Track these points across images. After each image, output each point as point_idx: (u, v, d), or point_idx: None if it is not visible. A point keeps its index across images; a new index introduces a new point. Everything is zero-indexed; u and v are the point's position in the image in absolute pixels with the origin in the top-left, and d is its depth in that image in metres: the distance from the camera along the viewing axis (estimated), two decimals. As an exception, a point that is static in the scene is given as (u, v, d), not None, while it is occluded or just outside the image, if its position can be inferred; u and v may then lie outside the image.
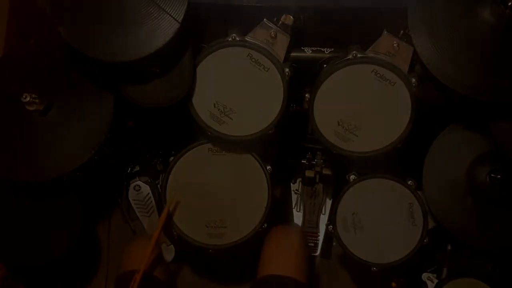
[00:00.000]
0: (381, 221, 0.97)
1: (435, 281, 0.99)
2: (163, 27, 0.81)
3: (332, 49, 0.98)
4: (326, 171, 1.08)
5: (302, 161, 1.09)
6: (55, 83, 0.91)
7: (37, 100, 0.85)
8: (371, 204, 0.97)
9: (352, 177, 0.97)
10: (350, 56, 0.90)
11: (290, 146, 1.11)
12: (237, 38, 0.90)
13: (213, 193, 0.98)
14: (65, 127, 0.90)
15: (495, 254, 0.99)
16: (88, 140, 0.89)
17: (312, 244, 1.14)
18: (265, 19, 0.91)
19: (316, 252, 1.15)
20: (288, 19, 0.91)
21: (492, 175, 0.87)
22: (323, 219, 1.14)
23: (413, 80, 0.88)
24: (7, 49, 1.00)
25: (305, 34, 0.96)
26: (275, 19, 0.91)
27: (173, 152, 1.00)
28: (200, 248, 0.99)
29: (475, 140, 0.93)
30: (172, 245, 1.10)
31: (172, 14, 0.81)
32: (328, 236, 1.12)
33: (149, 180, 1.14)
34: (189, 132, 0.99)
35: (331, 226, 0.98)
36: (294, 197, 1.16)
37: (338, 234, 0.98)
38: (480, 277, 0.95)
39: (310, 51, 0.98)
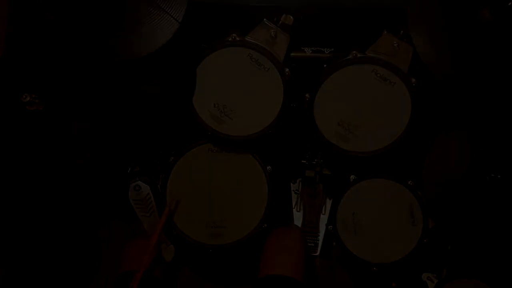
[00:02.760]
0: (381, 221, 0.97)
1: (435, 281, 0.99)
2: (163, 27, 0.81)
3: (332, 49, 0.98)
4: (326, 171, 1.08)
5: (302, 161, 1.09)
6: (55, 83, 0.91)
7: (37, 100, 0.85)
8: (371, 204, 0.97)
9: (352, 177, 0.97)
10: (350, 56, 0.90)
11: (290, 146, 1.11)
12: (237, 38, 0.90)
13: (213, 193, 0.98)
14: (65, 127, 0.90)
15: (495, 254, 0.99)
16: (88, 140, 0.89)
17: (312, 244, 1.14)
18: (265, 19, 0.91)
19: (316, 252, 1.14)
20: (288, 19, 0.91)
21: (492, 175, 0.87)
22: (323, 219, 1.14)
23: (413, 80, 0.88)
24: (7, 49, 1.00)
25: (305, 34, 0.96)
26: (275, 19, 0.91)
27: (173, 152, 1.00)
28: (200, 248, 0.99)
29: (475, 140, 0.93)
30: (172, 245, 1.10)
31: (172, 14, 0.81)
32: (328, 236, 1.12)
33: (149, 180, 1.13)
34: (189, 132, 0.99)
35: (331, 226, 0.98)
36: (294, 197, 1.16)
37: (338, 234, 0.98)
38: (480, 277, 0.95)
39: (310, 51, 0.98)
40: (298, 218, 1.15)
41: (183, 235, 0.99)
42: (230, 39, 0.90)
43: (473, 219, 0.93)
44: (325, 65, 0.95)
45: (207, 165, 0.98)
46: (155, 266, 0.96)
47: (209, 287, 1.22)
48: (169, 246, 1.09)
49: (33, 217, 1.00)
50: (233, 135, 0.93)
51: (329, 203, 1.15)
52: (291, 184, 1.17)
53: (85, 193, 1.04)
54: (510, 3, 0.76)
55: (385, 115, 0.91)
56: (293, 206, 1.16)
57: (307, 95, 0.92)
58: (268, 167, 0.97)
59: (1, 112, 0.90)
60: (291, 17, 0.91)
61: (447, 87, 0.83)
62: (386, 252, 0.97)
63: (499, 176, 0.87)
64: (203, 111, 0.92)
